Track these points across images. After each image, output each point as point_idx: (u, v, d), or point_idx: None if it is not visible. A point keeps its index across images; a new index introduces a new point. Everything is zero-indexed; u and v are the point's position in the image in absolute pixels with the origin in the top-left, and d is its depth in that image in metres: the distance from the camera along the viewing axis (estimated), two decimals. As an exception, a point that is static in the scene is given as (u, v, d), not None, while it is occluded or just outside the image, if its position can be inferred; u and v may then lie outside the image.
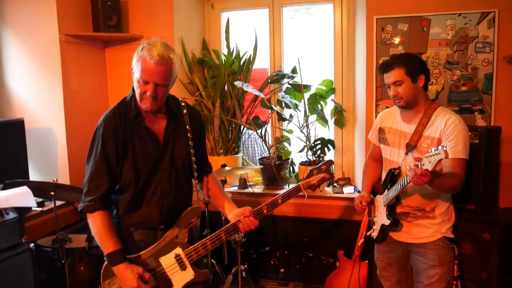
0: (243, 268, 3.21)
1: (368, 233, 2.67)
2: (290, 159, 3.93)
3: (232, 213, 2.26)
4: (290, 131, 3.95)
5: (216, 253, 3.04)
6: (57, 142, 3.53)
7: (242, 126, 3.98)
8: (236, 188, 3.89)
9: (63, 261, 2.79)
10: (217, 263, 3.40)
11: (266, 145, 3.83)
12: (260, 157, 4.21)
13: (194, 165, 2.22)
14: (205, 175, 2.38)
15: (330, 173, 2.39)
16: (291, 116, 3.84)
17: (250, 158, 4.34)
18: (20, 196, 2.44)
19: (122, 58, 3.92)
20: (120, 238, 2.11)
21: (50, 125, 3.55)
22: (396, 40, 3.28)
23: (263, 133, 3.90)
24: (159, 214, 2.13)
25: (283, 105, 3.73)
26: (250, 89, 3.60)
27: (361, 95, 3.59)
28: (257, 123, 3.87)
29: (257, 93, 3.65)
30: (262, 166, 3.82)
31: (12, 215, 2.49)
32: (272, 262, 3.85)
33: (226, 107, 3.98)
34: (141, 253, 2.12)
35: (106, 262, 2.06)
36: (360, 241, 3.04)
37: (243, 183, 3.87)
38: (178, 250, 2.15)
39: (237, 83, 3.65)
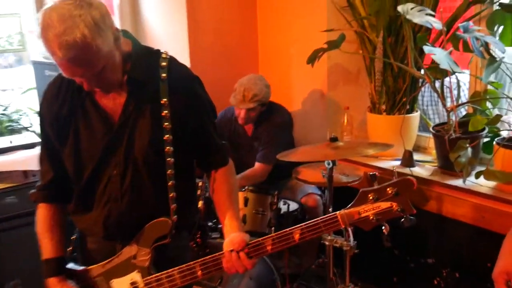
0: (352, 289, 2.21)
1: None
2: (486, 131, 2.41)
3: (230, 236, 1.42)
4: (500, 85, 2.41)
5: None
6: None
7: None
8: (399, 163, 2.70)
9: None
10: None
11: (444, 105, 2.44)
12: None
13: (171, 158, 1.42)
14: (213, 169, 1.56)
15: (404, 203, 1.21)
16: (492, 59, 2.28)
17: (440, 118, 2.96)
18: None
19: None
20: (75, 242, 1.62)
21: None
22: None
23: (454, 83, 2.50)
24: (101, 224, 1.47)
25: (463, 45, 2.21)
26: (418, 16, 2.27)
27: None
28: (438, 70, 2.48)
29: (431, 22, 2.27)
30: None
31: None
32: (435, 281, 2.58)
33: (401, 43, 2.70)
34: (89, 267, 1.52)
35: None
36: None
37: (409, 157, 2.65)
38: (136, 276, 1.47)
39: (401, 8, 2.35)
